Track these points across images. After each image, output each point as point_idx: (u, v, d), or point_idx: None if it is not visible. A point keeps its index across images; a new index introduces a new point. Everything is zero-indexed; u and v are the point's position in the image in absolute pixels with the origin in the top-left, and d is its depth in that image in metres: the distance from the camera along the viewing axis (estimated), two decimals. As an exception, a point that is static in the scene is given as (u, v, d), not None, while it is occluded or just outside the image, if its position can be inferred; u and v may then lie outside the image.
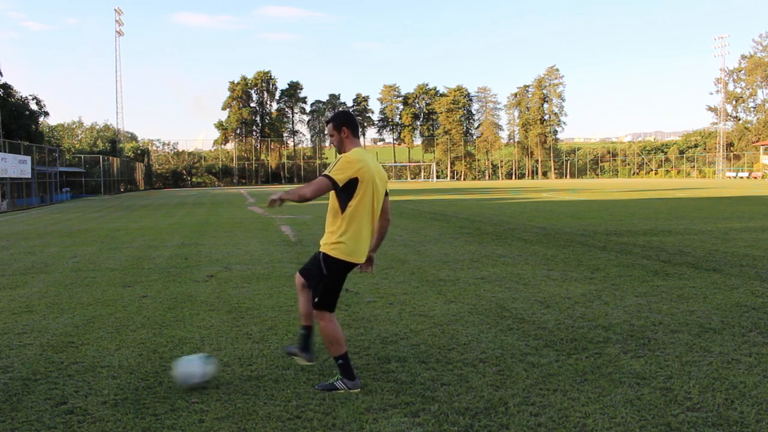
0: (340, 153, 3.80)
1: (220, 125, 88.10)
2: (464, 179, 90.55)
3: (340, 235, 3.66)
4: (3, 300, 6.88)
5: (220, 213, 22.20)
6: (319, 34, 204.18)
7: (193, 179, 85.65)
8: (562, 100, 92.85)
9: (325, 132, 3.93)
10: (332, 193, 3.71)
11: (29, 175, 36.09)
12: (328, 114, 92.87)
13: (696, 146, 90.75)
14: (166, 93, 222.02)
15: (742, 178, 68.96)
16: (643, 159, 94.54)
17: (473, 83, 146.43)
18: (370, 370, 4.15)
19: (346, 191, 3.64)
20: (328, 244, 3.69)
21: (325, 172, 3.60)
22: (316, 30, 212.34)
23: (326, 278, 3.70)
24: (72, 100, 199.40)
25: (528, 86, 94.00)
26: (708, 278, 7.21)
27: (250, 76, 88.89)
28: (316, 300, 3.74)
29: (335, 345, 3.72)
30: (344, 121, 3.80)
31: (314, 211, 21.80)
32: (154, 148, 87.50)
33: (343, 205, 3.67)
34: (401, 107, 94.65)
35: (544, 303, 6.08)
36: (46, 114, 53.43)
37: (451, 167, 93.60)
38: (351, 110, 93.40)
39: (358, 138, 3.85)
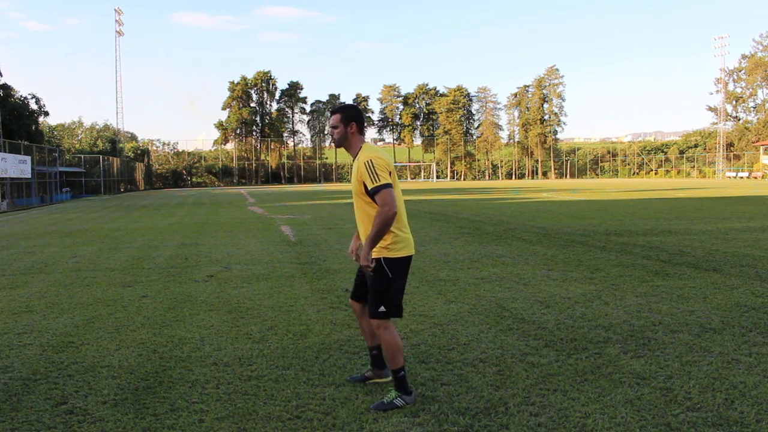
0: (340, 147, 3.62)
1: (220, 125, 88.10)
2: (464, 179, 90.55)
3: (394, 235, 3.48)
4: (3, 300, 6.88)
5: (220, 213, 22.20)
6: (319, 34, 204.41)
7: (193, 179, 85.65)
8: (562, 100, 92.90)
9: (329, 123, 3.58)
10: (362, 199, 3.52)
11: (29, 175, 36.10)
12: (328, 114, 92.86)
13: (696, 146, 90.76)
14: (166, 93, 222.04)
15: (742, 178, 68.96)
16: (643, 159, 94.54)
17: (473, 83, 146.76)
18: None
19: None
20: (382, 248, 3.47)
21: (380, 183, 3.35)
22: (316, 30, 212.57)
23: (393, 282, 3.50)
24: (72, 100, 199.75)
25: (528, 86, 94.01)
26: (708, 278, 7.21)
27: (250, 76, 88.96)
28: (381, 309, 3.49)
29: (399, 355, 3.52)
30: (354, 116, 3.61)
31: (314, 211, 21.80)
32: (154, 148, 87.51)
33: None
34: (401, 107, 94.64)
35: (544, 303, 6.08)
36: (46, 114, 53.52)
37: (451, 167, 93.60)
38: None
39: (364, 135, 3.71)
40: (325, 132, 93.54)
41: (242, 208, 24.84)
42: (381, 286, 3.51)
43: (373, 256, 3.48)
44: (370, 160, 3.41)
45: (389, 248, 3.49)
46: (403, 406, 3.48)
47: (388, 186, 3.36)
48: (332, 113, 3.64)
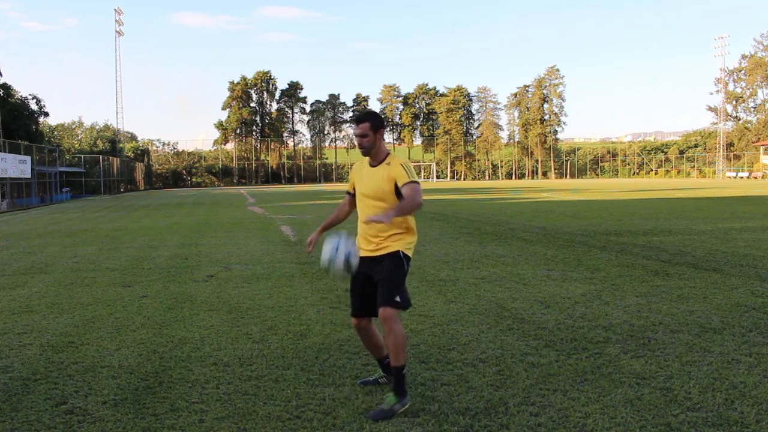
0: (367, 155, 3.69)
1: (220, 125, 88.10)
2: (464, 179, 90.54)
3: (412, 235, 3.69)
4: (3, 300, 6.88)
5: (220, 213, 22.20)
6: (319, 34, 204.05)
7: (193, 179, 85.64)
8: (562, 100, 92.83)
9: (356, 131, 3.65)
10: (381, 202, 3.63)
11: (29, 175, 36.10)
12: (328, 114, 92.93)
13: (696, 146, 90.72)
14: (166, 93, 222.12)
15: (742, 178, 68.95)
16: (643, 159, 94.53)
17: (473, 83, 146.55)
18: (370, 370, 4.15)
19: None
20: (402, 243, 3.62)
21: (411, 179, 3.56)
22: (316, 30, 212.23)
23: (404, 275, 3.62)
24: (72, 100, 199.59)
25: (528, 86, 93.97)
26: (708, 278, 7.21)
27: (249, 76, 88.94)
28: (397, 299, 3.52)
29: (404, 352, 3.52)
30: (382, 124, 3.74)
31: (314, 211, 21.80)
32: (154, 148, 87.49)
33: None
34: (401, 107, 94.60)
35: (544, 303, 6.08)
36: (46, 114, 53.57)
37: (451, 167, 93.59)
38: (351, 110, 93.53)
39: None
40: (325, 132, 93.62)
41: (242, 208, 24.84)
42: (399, 277, 3.58)
43: (391, 250, 3.60)
44: (406, 162, 3.67)
45: (407, 246, 3.65)
46: (400, 410, 3.44)
47: (418, 183, 3.60)
48: (359, 121, 3.67)
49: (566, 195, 31.26)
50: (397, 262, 3.59)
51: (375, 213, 3.58)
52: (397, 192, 3.59)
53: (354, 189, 3.84)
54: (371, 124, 3.63)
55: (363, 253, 3.67)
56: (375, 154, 3.68)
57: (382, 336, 3.83)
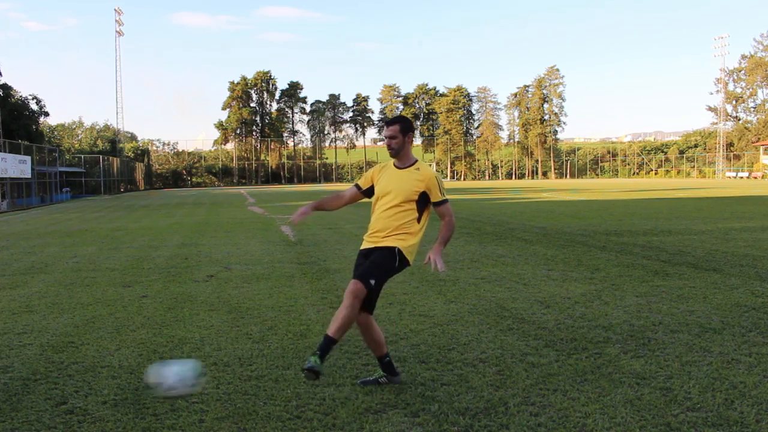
0: (395, 156, 3.83)
1: (220, 125, 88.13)
2: (464, 179, 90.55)
3: (414, 237, 3.77)
4: (3, 300, 6.88)
5: (220, 213, 22.20)
6: (319, 34, 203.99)
7: (193, 179, 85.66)
8: (562, 100, 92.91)
9: (385, 134, 3.83)
10: (404, 206, 3.75)
11: (29, 175, 36.11)
12: (329, 114, 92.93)
13: (696, 146, 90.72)
14: (166, 93, 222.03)
15: (742, 178, 68.96)
16: (643, 159, 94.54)
17: (473, 83, 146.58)
18: (370, 370, 4.15)
19: (426, 203, 3.83)
20: (403, 243, 3.73)
21: (445, 197, 3.82)
22: (316, 30, 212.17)
23: (392, 270, 3.72)
24: (72, 100, 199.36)
25: (528, 86, 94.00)
26: (708, 278, 7.21)
27: (250, 76, 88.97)
28: (371, 281, 3.58)
29: (345, 330, 3.56)
30: (410, 127, 3.90)
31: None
32: (154, 148, 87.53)
33: (421, 215, 3.82)
34: (401, 107, 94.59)
35: (544, 303, 6.08)
36: (46, 114, 53.63)
37: (451, 167, 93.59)
38: (351, 110, 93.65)
39: None
40: (325, 132, 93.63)
41: (242, 208, 24.85)
42: (385, 265, 3.69)
43: (389, 244, 3.72)
44: (439, 176, 3.88)
45: (408, 250, 3.75)
46: (310, 370, 3.43)
47: (449, 200, 3.89)
48: (389, 124, 3.87)
49: (566, 195, 31.26)
50: (389, 253, 3.71)
51: (389, 213, 3.75)
52: (423, 200, 3.77)
53: (369, 186, 3.96)
54: (401, 126, 3.82)
55: (365, 245, 3.84)
56: (402, 156, 3.84)
57: (382, 333, 3.92)
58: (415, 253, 3.81)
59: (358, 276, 3.62)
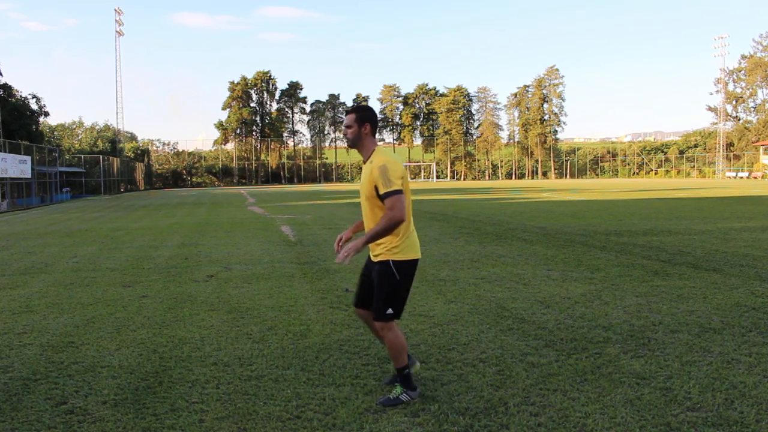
0: (353, 147, 3.64)
1: (220, 125, 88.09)
2: (464, 179, 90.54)
3: (401, 237, 3.51)
4: (3, 300, 6.88)
5: (220, 213, 22.20)
6: (319, 34, 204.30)
7: (193, 179, 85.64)
8: (562, 100, 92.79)
9: (344, 123, 3.59)
10: (372, 202, 3.54)
11: (29, 175, 36.10)
12: (328, 114, 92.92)
13: (696, 146, 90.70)
14: (166, 93, 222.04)
15: (742, 178, 68.94)
16: (643, 159, 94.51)
17: (473, 83, 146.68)
18: (370, 370, 4.15)
19: None
20: (390, 251, 3.50)
21: (392, 189, 3.38)
22: (316, 30, 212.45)
23: (399, 284, 3.52)
24: (72, 100, 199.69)
25: (528, 86, 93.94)
26: (708, 278, 7.21)
27: (249, 76, 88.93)
28: (389, 312, 3.51)
29: (404, 354, 3.56)
30: (368, 117, 3.60)
31: (314, 211, 21.80)
32: (154, 148, 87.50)
33: None
34: (401, 107, 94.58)
35: (544, 303, 6.08)
36: (47, 114, 53.51)
37: (451, 167, 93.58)
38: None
39: (375, 137, 3.70)
40: (325, 132, 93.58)
41: (242, 208, 24.84)
42: (389, 289, 3.52)
43: (381, 259, 3.53)
44: (385, 165, 3.44)
45: (397, 251, 3.51)
46: (408, 401, 3.55)
47: (399, 192, 3.41)
48: (347, 113, 3.66)
49: (566, 195, 31.25)
50: (384, 274, 3.52)
51: (365, 212, 3.62)
52: (380, 196, 3.46)
53: None
54: (357, 115, 3.59)
55: (369, 251, 3.71)
56: (361, 149, 3.63)
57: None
58: (408, 246, 3.54)
59: (375, 317, 3.56)
